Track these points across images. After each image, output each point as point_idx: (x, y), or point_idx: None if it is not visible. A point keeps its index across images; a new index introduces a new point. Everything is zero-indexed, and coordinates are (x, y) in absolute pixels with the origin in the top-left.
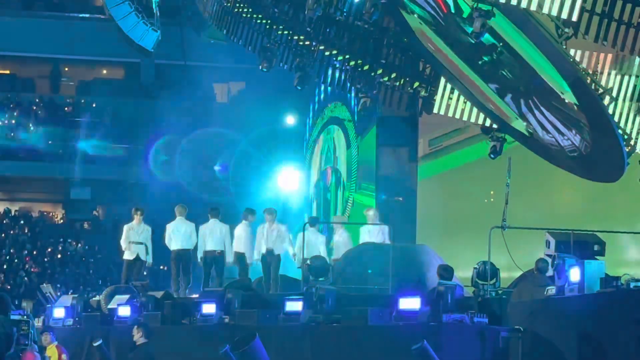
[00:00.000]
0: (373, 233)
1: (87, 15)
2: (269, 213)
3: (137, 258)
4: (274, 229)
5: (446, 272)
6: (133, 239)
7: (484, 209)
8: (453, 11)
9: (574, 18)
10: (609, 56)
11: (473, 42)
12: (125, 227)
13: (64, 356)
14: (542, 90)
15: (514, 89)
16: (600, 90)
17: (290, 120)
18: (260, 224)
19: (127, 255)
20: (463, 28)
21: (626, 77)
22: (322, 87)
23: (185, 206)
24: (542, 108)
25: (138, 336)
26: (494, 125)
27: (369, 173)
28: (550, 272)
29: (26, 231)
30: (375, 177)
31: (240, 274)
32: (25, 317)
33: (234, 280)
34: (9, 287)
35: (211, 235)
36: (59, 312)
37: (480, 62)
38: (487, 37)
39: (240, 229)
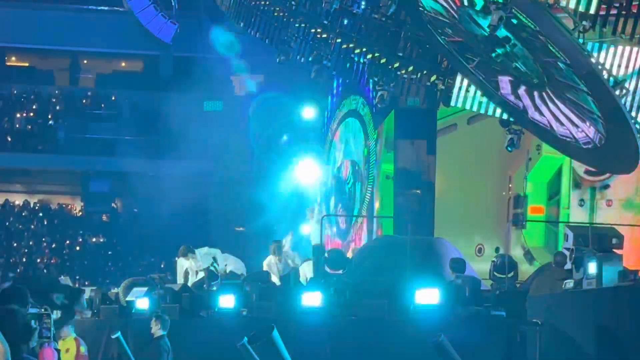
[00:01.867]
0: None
1: (106, 8)
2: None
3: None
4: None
5: (457, 264)
6: (200, 269)
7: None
8: (466, 4)
9: (592, 10)
10: (627, 49)
11: (486, 34)
12: (184, 272)
13: (82, 348)
14: (556, 82)
15: (527, 81)
16: (616, 83)
17: (308, 112)
18: (267, 257)
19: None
20: (476, 21)
21: None
22: (340, 80)
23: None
24: (556, 100)
25: (156, 328)
26: (510, 118)
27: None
28: (568, 266)
29: (45, 223)
30: (394, 168)
31: None
32: (43, 310)
33: (252, 273)
34: None
35: (232, 264)
36: None
37: (493, 55)
38: (501, 30)
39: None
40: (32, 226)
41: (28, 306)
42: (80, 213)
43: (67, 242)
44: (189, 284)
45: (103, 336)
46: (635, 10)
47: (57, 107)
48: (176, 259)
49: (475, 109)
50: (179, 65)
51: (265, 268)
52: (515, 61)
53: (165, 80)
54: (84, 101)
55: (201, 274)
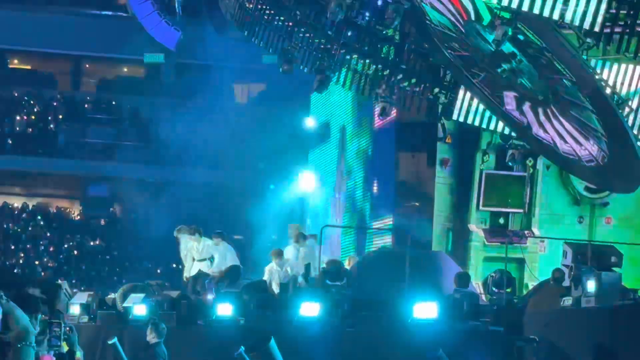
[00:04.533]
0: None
1: (110, 13)
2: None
3: (200, 274)
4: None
5: (462, 279)
6: (197, 258)
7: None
8: (473, 19)
9: (596, 29)
10: (630, 67)
11: (493, 49)
12: (187, 249)
13: (78, 353)
14: (561, 99)
15: (532, 97)
16: (620, 101)
17: (310, 122)
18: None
19: (187, 273)
20: (483, 36)
21: None
22: None
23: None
24: (560, 117)
25: (151, 336)
26: (513, 134)
27: None
28: (566, 283)
29: (43, 227)
30: (393, 182)
31: None
32: (56, 319)
33: (250, 282)
34: None
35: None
36: (74, 309)
37: (499, 70)
38: (507, 45)
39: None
40: (30, 229)
41: (39, 313)
42: (79, 217)
43: (65, 246)
44: (186, 263)
45: (99, 342)
46: (639, 29)
47: (58, 111)
48: (177, 234)
49: (477, 123)
50: (181, 72)
51: (266, 275)
52: (521, 77)
53: (167, 86)
54: (85, 105)
55: (197, 265)
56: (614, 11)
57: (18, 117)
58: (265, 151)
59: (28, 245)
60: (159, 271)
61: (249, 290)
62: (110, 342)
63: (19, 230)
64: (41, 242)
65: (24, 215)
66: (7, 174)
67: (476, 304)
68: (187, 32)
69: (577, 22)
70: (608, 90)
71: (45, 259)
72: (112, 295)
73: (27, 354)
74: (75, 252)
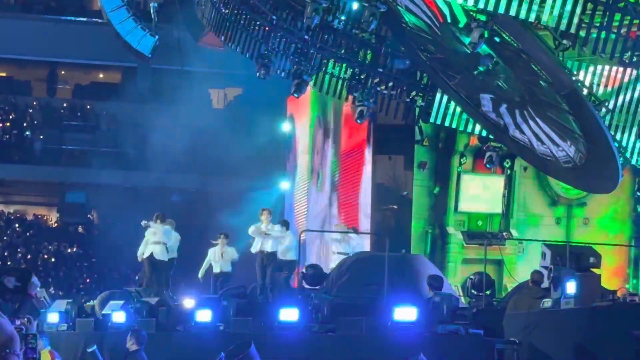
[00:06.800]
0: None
1: (85, 19)
2: (267, 213)
3: (152, 256)
4: (270, 229)
5: (435, 281)
6: (152, 240)
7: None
8: (449, 21)
9: (572, 30)
10: (606, 68)
11: (469, 52)
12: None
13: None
14: (537, 101)
15: (509, 99)
16: (596, 102)
17: (286, 127)
18: (254, 224)
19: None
20: (459, 38)
21: (622, 89)
22: None
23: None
24: (537, 119)
25: (130, 343)
26: (490, 136)
27: None
28: (546, 284)
29: (20, 234)
30: (370, 185)
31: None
32: (26, 324)
33: (229, 287)
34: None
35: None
36: (53, 317)
37: (475, 72)
38: (483, 47)
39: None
40: (7, 237)
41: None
42: (56, 224)
43: (43, 253)
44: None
45: (79, 349)
46: (615, 30)
47: (34, 118)
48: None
49: (454, 125)
50: (157, 77)
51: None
52: (498, 79)
53: (143, 92)
54: (61, 112)
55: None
56: (589, 13)
57: None
58: (243, 156)
59: (5, 253)
60: (137, 277)
61: (228, 295)
62: (89, 350)
63: None
64: (18, 250)
65: (0, 222)
66: None
67: (455, 306)
68: (162, 37)
69: (553, 24)
70: (585, 91)
71: (22, 266)
72: (90, 303)
73: None
74: (53, 259)
